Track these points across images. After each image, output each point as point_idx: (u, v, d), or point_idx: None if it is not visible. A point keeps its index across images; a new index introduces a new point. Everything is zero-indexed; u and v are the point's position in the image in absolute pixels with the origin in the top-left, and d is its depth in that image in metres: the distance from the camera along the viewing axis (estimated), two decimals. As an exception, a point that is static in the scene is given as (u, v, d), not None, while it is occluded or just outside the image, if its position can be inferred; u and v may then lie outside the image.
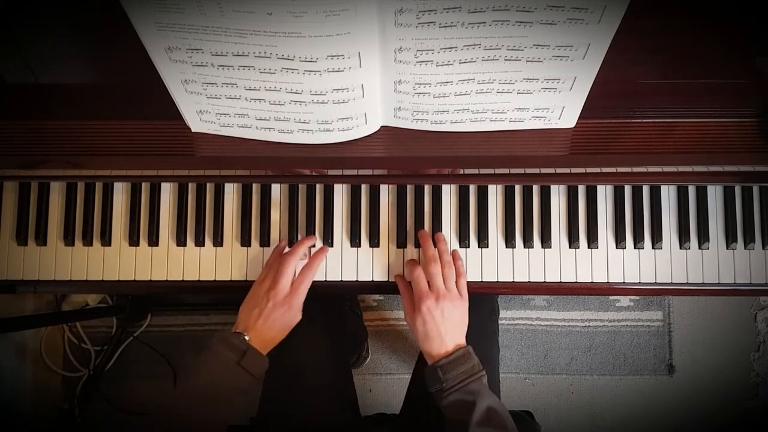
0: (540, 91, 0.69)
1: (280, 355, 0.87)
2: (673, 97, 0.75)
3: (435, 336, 0.77)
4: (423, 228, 0.88)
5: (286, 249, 0.86)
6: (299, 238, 0.88)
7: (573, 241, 0.88)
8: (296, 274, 0.81)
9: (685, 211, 0.88)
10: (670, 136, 0.74)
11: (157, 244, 0.89)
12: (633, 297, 1.55)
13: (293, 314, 0.79)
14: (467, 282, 0.85)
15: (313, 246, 0.88)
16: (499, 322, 1.03)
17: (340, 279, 0.88)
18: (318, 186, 0.89)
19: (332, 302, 0.99)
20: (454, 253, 0.86)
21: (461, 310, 0.80)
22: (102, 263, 0.89)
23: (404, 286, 0.84)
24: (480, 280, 0.88)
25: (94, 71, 0.80)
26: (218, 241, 0.89)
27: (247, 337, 0.75)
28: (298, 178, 0.87)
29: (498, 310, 1.05)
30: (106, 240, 0.89)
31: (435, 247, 0.85)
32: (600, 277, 0.88)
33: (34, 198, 0.90)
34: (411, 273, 0.82)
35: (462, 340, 0.79)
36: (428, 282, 0.80)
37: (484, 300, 1.03)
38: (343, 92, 0.66)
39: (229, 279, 0.89)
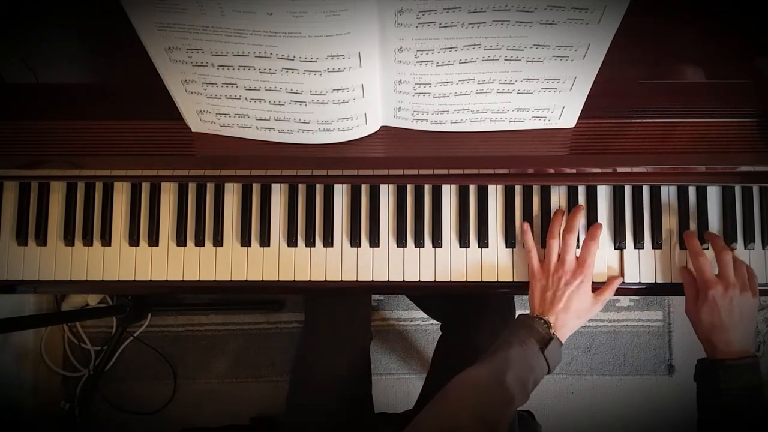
0: (540, 91, 0.69)
1: (307, 354, 0.87)
2: (673, 97, 0.75)
3: (720, 328, 0.75)
4: (423, 228, 0.88)
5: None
6: (299, 237, 0.89)
7: (573, 241, 0.88)
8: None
9: (685, 212, 0.88)
10: (670, 136, 0.74)
11: (157, 244, 0.89)
12: (633, 297, 1.55)
13: (586, 294, 0.77)
14: (468, 282, 0.85)
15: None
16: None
17: (340, 279, 0.88)
18: (318, 186, 0.89)
19: (353, 305, 0.99)
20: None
21: (750, 304, 0.76)
22: (102, 263, 0.89)
23: (689, 279, 0.82)
24: (480, 280, 0.88)
25: (94, 71, 0.80)
26: (218, 241, 0.89)
27: (549, 323, 0.73)
28: (298, 178, 0.87)
29: (514, 309, 1.05)
30: (106, 240, 0.89)
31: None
32: (600, 277, 0.88)
33: (34, 198, 0.90)
34: (696, 260, 0.80)
35: (749, 345, 0.75)
36: (719, 272, 0.78)
37: (501, 300, 1.03)
38: (343, 92, 0.66)
39: (229, 279, 0.89)
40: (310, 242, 0.88)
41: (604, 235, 0.88)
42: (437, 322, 1.13)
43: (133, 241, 0.89)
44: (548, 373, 0.72)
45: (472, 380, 0.69)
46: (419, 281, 0.88)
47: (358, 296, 0.99)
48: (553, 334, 0.73)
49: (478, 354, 0.94)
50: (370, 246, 0.89)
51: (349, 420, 0.91)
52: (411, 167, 0.79)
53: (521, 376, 0.68)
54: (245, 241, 0.89)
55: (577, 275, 0.77)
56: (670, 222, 0.88)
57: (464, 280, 0.88)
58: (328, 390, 0.91)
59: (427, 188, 0.89)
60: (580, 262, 0.79)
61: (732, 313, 0.75)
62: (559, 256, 0.80)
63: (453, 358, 0.98)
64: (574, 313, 0.76)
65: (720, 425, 0.73)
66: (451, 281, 0.88)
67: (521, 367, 0.69)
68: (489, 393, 0.67)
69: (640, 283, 0.87)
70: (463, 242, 0.88)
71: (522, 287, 0.88)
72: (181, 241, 0.89)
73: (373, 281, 0.88)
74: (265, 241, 0.89)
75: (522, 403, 0.69)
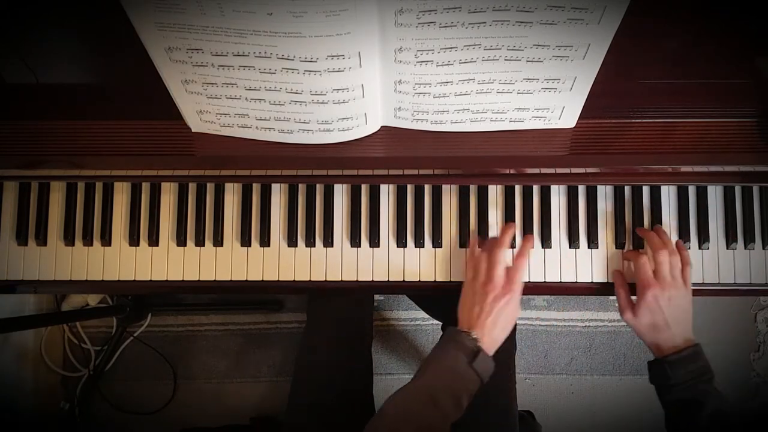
0: (540, 91, 0.69)
1: (309, 354, 0.87)
2: (673, 97, 0.75)
3: (663, 326, 0.76)
4: (423, 227, 0.88)
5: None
6: (299, 237, 0.89)
7: (573, 241, 0.88)
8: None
9: (684, 211, 0.88)
10: (670, 136, 0.74)
11: (157, 244, 0.89)
12: (633, 297, 1.55)
13: (514, 307, 0.78)
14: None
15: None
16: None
17: (340, 279, 0.88)
18: (318, 186, 0.89)
19: (355, 306, 0.99)
20: (678, 243, 0.84)
21: (687, 299, 0.78)
22: (102, 263, 0.89)
23: (621, 281, 0.84)
24: (480, 280, 0.88)
25: (95, 71, 0.80)
26: (218, 241, 0.89)
27: (476, 337, 0.74)
28: (298, 178, 0.87)
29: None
30: (106, 240, 0.89)
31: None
32: (600, 277, 0.88)
33: (34, 198, 0.90)
34: (636, 260, 0.80)
35: (690, 334, 0.77)
36: (654, 271, 0.79)
37: None
38: (343, 92, 0.66)
39: (229, 279, 0.89)
40: (310, 242, 0.88)
41: (604, 235, 0.88)
42: (438, 322, 1.13)
43: (133, 241, 0.89)
44: (482, 384, 0.73)
45: (405, 400, 0.70)
46: (419, 281, 0.88)
47: (360, 296, 0.99)
48: (480, 347, 0.73)
49: None
50: (371, 246, 0.89)
51: (349, 420, 0.91)
52: (411, 167, 0.79)
53: (453, 391, 0.69)
54: (245, 241, 0.89)
55: (506, 292, 0.77)
56: (670, 222, 0.88)
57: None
58: (329, 390, 0.91)
59: (427, 188, 0.89)
60: (510, 278, 0.78)
61: (671, 311, 0.77)
62: (487, 270, 0.79)
63: None
64: (500, 327, 0.76)
65: (683, 420, 0.73)
66: (451, 281, 0.88)
67: (452, 382, 0.70)
68: (422, 412, 0.68)
69: (640, 283, 0.87)
70: (464, 242, 0.88)
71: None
72: (181, 241, 0.89)
73: (373, 281, 0.88)
74: (265, 241, 0.89)
75: (457, 417, 0.70)
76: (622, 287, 0.84)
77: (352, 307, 0.98)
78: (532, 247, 0.87)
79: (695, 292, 0.87)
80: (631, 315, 0.81)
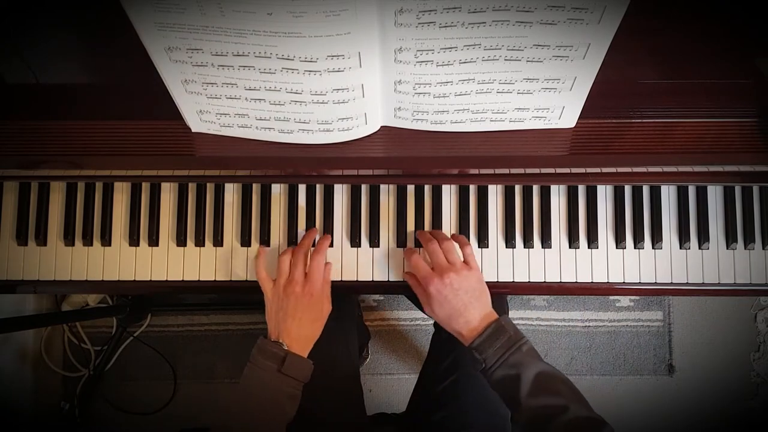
0: (540, 91, 0.69)
1: None
2: (673, 97, 0.75)
3: (455, 314, 0.75)
4: (423, 227, 0.88)
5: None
6: (299, 238, 0.88)
7: (573, 241, 0.88)
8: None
9: (685, 211, 0.88)
10: (670, 136, 0.74)
11: (157, 244, 0.89)
12: (633, 297, 1.55)
13: (318, 302, 0.78)
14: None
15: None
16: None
17: (340, 279, 0.88)
18: (318, 186, 0.89)
19: (343, 303, 0.99)
20: (453, 234, 0.85)
21: (473, 279, 0.77)
22: (102, 263, 0.89)
23: (414, 282, 0.82)
24: (480, 280, 0.88)
25: (94, 71, 0.80)
26: (218, 241, 0.89)
27: (283, 343, 0.74)
28: (298, 178, 0.87)
29: (508, 310, 1.05)
30: (106, 240, 0.89)
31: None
32: (600, 277, 0.88)
33: (34, 198, 0.90)
34: (409, 260, 0.81)
35: (488, 311, 0.76)
36: (432, 262, 0.79)
37: (495, 301, 1.02)
38: (343, 92, 0.66)
39: (229, 279, 0.89)
40: (310, 242, 0.88)
41: (604, 235, 0.88)
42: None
43: (133, 241, 0.89)
44: (306, 382, 0.74)
45: (233, 413, 0.71)
46: (419, 281, 0.88)
47: (341, 297, 0.99)
48: (287, 350, 0.74)
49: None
50: (371, 246, 0.89)
51: (338, 418, 0.90)
52: (411, 167, 0.79)
53: (271, 400, 0.71)
54: (245, 241, 0.89)
55: (305, 288, 0.78)
56: (670, 222, 0.88)
57: (464, 280, 0.88)
58: (316, 389, 0.90)
59: (427, 188, 0.89)
60: (308, 276, 0.79)
61: (458, 296, 0.75)
62: (290, 273, 0.80)
63: (446, 353, 0.98)
64: (308, 321, 0.77)
65: (510, 395, 0.71)
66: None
67: (266, 394, 0.71)
68: (245, 426, 0.69)
69: (640, 283, 0.87)
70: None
71: (521, 287, 0.88)
72: (181, 241, 0.89)
73: (372, 281, 0.88)
74: (265, 241, 0.89)
75: (288, 419, 0.72)
76: (416, 287, 0.81)
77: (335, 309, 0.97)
78: (331, 246, 0.87)
79: (696, 292, 0.88)
80: (429, 310, 0.79)
